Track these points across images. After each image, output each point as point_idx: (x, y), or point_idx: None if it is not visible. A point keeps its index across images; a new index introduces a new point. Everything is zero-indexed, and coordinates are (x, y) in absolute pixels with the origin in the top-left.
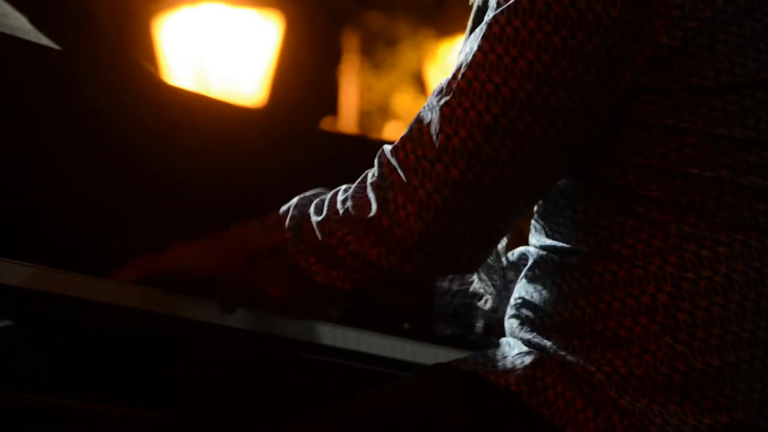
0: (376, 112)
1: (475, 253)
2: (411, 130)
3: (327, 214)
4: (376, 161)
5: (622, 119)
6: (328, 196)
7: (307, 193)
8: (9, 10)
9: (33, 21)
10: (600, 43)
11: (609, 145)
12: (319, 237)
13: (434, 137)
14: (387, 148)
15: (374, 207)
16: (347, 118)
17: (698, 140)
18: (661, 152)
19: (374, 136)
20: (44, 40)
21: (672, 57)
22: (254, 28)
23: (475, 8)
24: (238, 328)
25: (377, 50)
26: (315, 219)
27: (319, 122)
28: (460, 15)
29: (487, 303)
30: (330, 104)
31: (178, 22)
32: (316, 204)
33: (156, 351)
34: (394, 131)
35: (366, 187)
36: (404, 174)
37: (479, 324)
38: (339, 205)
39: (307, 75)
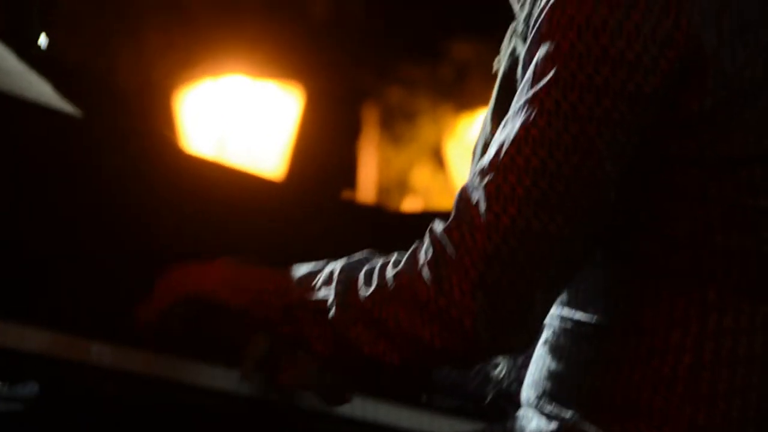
0: (394, 186)
1: (527, 331)
2: (459, 210)
3: (378, 286)
4: (427, 238)
5: (650, 189)
6: (377, 266)
7: (353, 259)
8: (34, 77)
9: (57, 88)
10: (641, 113)
11: (635, 215)
12: (369, 308)
13: (483, 216)
14: (438, 227)
15: (429, 285)
16: (366, 192)
17: (724, 210)
18: (687, 222)
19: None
20: (67, 108)
21: (702, 126)
22: (275, 100)
23: (500, 76)
24: (253, 397)
25: (397, 124)
26: (365, 289)
27: (339, 195)
28: (480, 89)
29: (501, 372)
30: (349, 178)
31: (200, 93)
32: (365, 273)
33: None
34: (412, 205)
35: (418, 263)
36: (457, 253)
37: (489, 394)
38: (390, 279)
39: (326, 148)
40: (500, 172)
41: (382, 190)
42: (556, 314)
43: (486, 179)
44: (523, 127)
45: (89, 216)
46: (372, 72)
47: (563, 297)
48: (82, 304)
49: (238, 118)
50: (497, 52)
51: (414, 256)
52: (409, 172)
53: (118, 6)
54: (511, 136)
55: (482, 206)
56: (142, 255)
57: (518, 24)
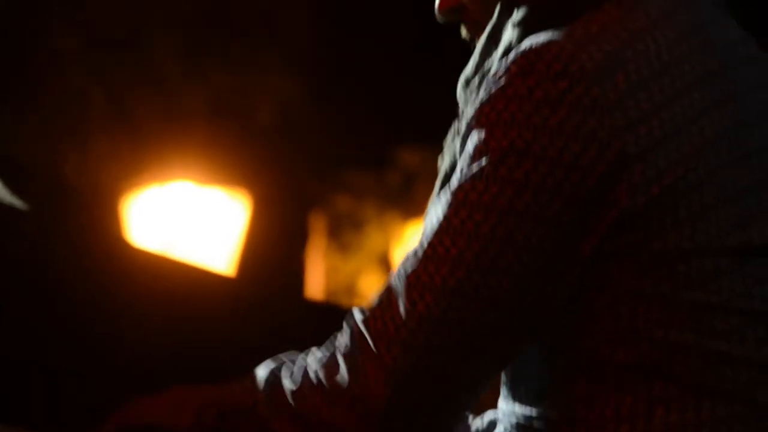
0: (342, 292)
1: (443, 422)
2: (380, 298)
3: (301, 382)
4: (344, 326)
5: (586, 284)
6: (299, 361)
7: (280, 356)
8: None
9: (7, 187)
10: (563, 208)
11: (573, 310)
12: (292, 403)
13: (401, 304)
14: (357, 314)
15: (345, 375)
16: (314, 299)
17: (663, 304)
18: (626, 316)
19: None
20: (15, 202)
21: (635, 222)
22: (221, 206)
23: (441, 173)
24: None
25: (344, 232)
26: (288, 385)
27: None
28: (427, 196)
29: None
30: (297, 286)
31: (146, 198)
32: (288, 369)
33: None
34: None
35: (336, 354)
36: (372, 341)
37: None
38: (311, 373)
39: (274, 256)
40: (420, 262)
41: (330, 296)
42: (508, 410)
43: (407, 268)
44: (445, 217)
45: (34, 313)
46: (319, 179)
47: (512, 392)
48: (20, 406)
49: (185, 224)
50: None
51: (332, 346)
52: (357, 279)
53: (66, 108)
54: (434, 226)
55: (401, 294)
56: (88, 351)
57: (460, 122)
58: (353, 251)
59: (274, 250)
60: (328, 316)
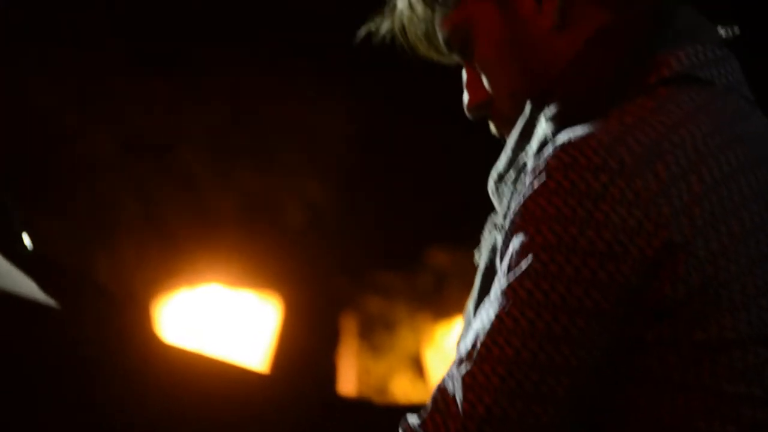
0: (374, 394)
1: None
2: (435, 401)
3: None
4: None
5: (628, 375)
6: None
7: None
8: (19, 275)
9: (41, 286)
10: (613, 301)
11: (614, 402)
12: None
13: (459, 406)
14: (411, 419)
15: None
16: (346, 398)
17: (705, 396)
18: (668, 408)
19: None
20: (51, 303)
21: (676, 312)
22: (252, 310)
23: (480, 269)
24: None
25: (376, 333)
26: None
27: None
28: (458, 297)
29: None
30: (328, 386)
31: (177, 302)
32: None
33: None
34: None
35: None
36: None
37: None
38: None
39: (305, 358)
40: (475, 363)
41: (362, 396)
42: None
43: (462, 369)
44: (498, 317)
45: (69, 410)
46: (350, 281)
47: None
48: None
49: (216, 327)
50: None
51: None
52: (389, 381)
53: (99, 212)
54: (486, 327)
55: (458, 396)
56: None
57: (498, 217)
58: (385, 351)
59: (305, 350)
60: (359, 416)
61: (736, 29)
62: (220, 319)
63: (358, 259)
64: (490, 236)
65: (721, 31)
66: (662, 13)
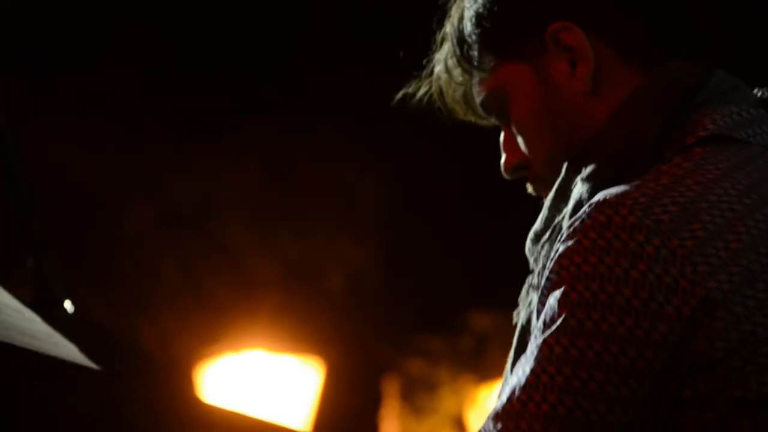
0: None
1: None
2: None
3: None
4: None
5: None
6: None
7: None
8: (59, 339)
9: (83, 351)
10: (651, 358)
11: None
12: None
13: None
14: None
15: None
16: None
17: None
18: None
19: None
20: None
21: (714, 369)
22: (295, 374)
23: (518, 328)
24: None
25: (418, 395)
26: None
27: None
28: (500, 359)
29: None
30: None
31: (220, 369)
32: None
33: None
34: None
35: None
36: None
37: None
38: None
39: (348, 422)
40: (511, 418)
41: None
42: None
43: (498, 425)
44: (534, 373)
45: None
46: (391, 344)
47: None
48: None
49: (258, 393)
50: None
51: None
52: None
53: (143, 280)
54: (522, 382)
55: None
56: None
57: (534, 277)
58: (427, 414)
59: (348, 414)
60: None
61: None
62: (263, 384)
63: (399, 322)
64: (528, 297)
65: (757, 92)
66: (697, 76)
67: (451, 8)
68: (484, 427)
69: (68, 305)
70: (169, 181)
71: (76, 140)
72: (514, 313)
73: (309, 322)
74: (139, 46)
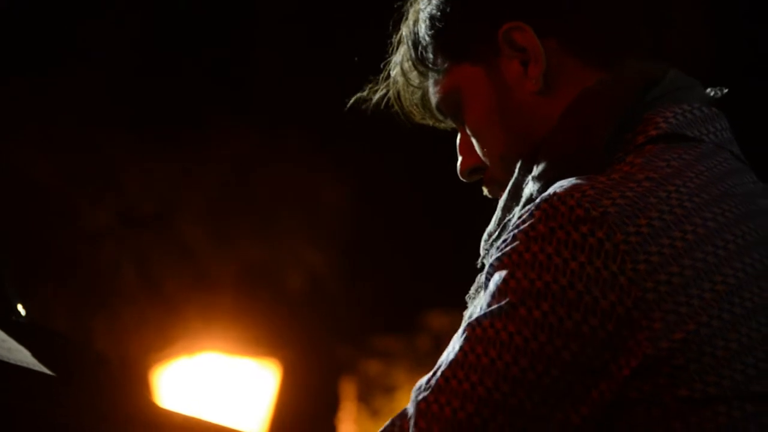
0: None
1: None
2: (393, 423)
3: None
4: None
5: (615, 430)
6: None
7: None
8: (13, 344)
9: (36, 355)
10: (578, 350)
11: None
12: None
13: (411, 429)
14: None
15: None
16: None
17: None
18: None
19: None
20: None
21: (659, 369)
22: (251, 377)
23: (467, 315)
24: None
25: (375, 397)
26: None
27: None
28: None
29: None
30: None
31: (175, 371)
32: None
33: None
34: None
35: None
36: None
37: None
38: None
39: (305, 424)
40: (432, 391)
41: None
42: None
43: (420, 396)
44: (462, 350)
45: None
46: (348, 345)
47: None
48: None
49: (214, 395)
50: None
51: None
52: None
53: (98, 282)
54: (450, 358)
55: (411, 421)
56: None
57: (483, 275)
58: (385, 416)
59: (305, 416)
60: None
61: (724, 89)
62: (219, 386)
63: (357, 323)
64: (477, 294)
65: (710, 92)
66: (649, 75)
67: (407, 11)
68: (411, 397)
69: (21, 309)
70: (127, 182)
71: (34, 139)
72: (464, 313)
73: (266, 324)
74: (99, 45)
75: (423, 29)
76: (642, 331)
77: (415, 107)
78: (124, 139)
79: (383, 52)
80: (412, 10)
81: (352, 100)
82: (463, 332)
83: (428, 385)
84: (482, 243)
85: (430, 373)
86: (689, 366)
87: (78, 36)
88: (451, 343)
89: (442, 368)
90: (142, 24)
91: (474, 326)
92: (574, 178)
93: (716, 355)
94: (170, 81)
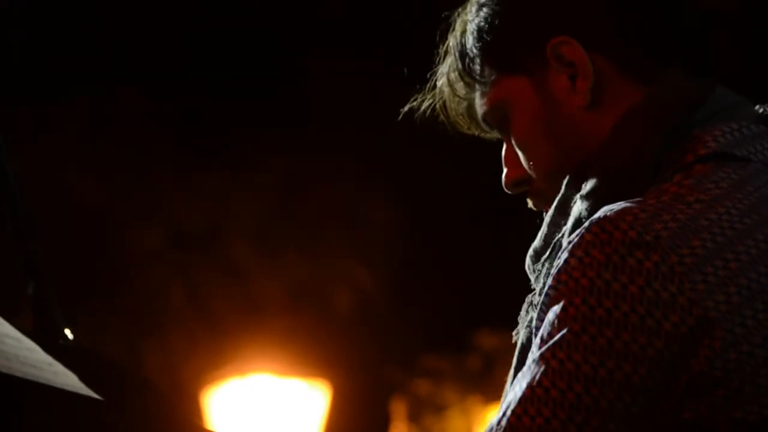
0: None
1: None
2: None
3: None
4: None
5: None
6: None
7: None
8: (60, 367)
9: (83, 380)
10: (646, 373)
11: None
12: None
13: None
14: None
15: None
16: None
17: None
18: None
19: None
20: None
21: (714, 389)
22: (302, 398)
23: (518, 347)
24: None
25: (426, 417)
26: None
27: None
28: (506, 379)
29: None
30: None
31: (227, 393)
32: None
33: None
34: None
35: None
36: None
37: None
38: None
39: None
40: (505, 431)
41: None
42: None
43: None
44: (529, 387)
45: None
46: (398, 365)
47: None
48: None
49: (266, 416)
50: None
51: None
52: None
53: (148, 304)
54: (518, 396)
55: None
56: None
57: (534, 296)
58: None
59: None
60: None
61: None
62: (270, 408)
63: (407, 343)
64: (527, 315)
65: (758, 109)
66: (697, 91)
67: (454, 22)
68: None
69: (68, 333)
70: (176, 203)
71: (82, 161)
72: (514, 333)
73: (316, 344)
74: (145, 66)
75: (471, 41)
76: (702, 350)
77: (461, 117)
78: (172, 159)
79: (431, 66)
80: (459, 21)
81: (404, 110)
82: (528, 369)
83: (499, 426)
84: (528, 260)
85: (500, 414)
86: (743, 388)
87: (124, 56)
88: (516, 381)
89: (512, 406)
90: (187, 41)
91: (538, 360)
92: (623, 201)
93: None
94: (218, 99)
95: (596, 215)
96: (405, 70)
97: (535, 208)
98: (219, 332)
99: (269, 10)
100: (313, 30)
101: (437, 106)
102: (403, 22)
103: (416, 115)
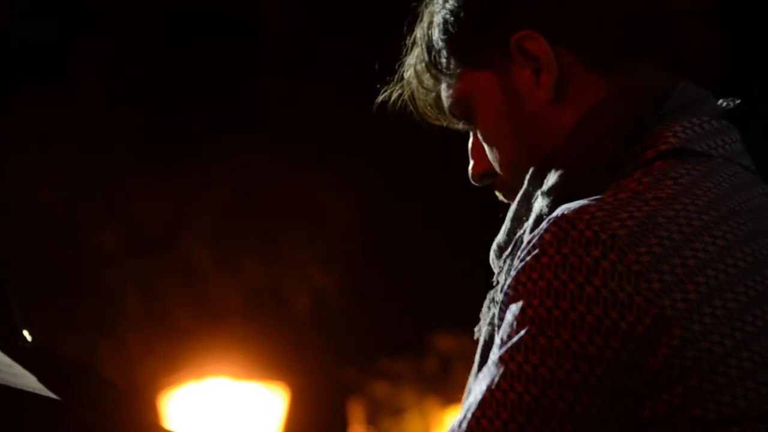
0: None
1: None
2: None
3: None
4: None
5: None
6: None
7: None
8: (19, 369)
9: (42, 380)
10: (603, 374)
11: None
12: None
13: None
14: None
15: None
16: None
17: None
18: None
19: None
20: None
21: (672, 388)
22: (259, 400)
23: (480, 344)
24: None
25: (384, 419)
26: None
27: None
28: (466, 381)
29: None
30: None
31: (183, 396)
32: None
33: None
34: None
35: None
36: None
37: None
38: None
39: None
40: None
41: None
42: None
43: None
44: (488, 389)
45: None
46: (356, 367)
47: None
48: None
49: (223, 420)
50: None
51: None
52: None
53: (104, 306)
54: (478, 398)
55: None
56: None
57: (496, 292)
58: None
59: None
60: None
61: (737, 100)
62: (228, 411)
63: (364, 346)
64: (489, 312)
65: (722, 103)
66: (660, 87)
67: (422, 13)
68: None
69: (27, 334)
70: (133, 203)
71: (39, 161)
72: (476, 329)
73: (272, 347)
74: (104, 65)
75: (437, 33)
76: (659, 348)
77: (429, 108)
78: (129, 160)
79: (392, 61)
80: (426, 12)
81: (378, 100)
82: (488, 371)
83: (460, 429)
84: (491, 254)
85: (460, 416)
86: (702, 386)
87: (79, 55)
88: (476, 384)
89: (472, 410)
90: (144, 41)
91: (497, 362)
92: (582, 199)
93: (729, 374)
94: (174, 100)
95: (554, 214)
96: (376, 65)
97: (505, 200)
98: (175, 335)
99: (222, 11)
100: (268, 29)
101: (405, 96)
102: (368, 10)
103: (387, 107)
